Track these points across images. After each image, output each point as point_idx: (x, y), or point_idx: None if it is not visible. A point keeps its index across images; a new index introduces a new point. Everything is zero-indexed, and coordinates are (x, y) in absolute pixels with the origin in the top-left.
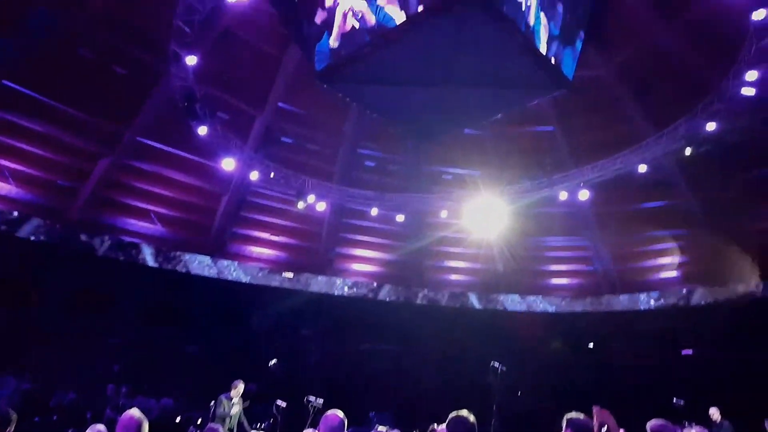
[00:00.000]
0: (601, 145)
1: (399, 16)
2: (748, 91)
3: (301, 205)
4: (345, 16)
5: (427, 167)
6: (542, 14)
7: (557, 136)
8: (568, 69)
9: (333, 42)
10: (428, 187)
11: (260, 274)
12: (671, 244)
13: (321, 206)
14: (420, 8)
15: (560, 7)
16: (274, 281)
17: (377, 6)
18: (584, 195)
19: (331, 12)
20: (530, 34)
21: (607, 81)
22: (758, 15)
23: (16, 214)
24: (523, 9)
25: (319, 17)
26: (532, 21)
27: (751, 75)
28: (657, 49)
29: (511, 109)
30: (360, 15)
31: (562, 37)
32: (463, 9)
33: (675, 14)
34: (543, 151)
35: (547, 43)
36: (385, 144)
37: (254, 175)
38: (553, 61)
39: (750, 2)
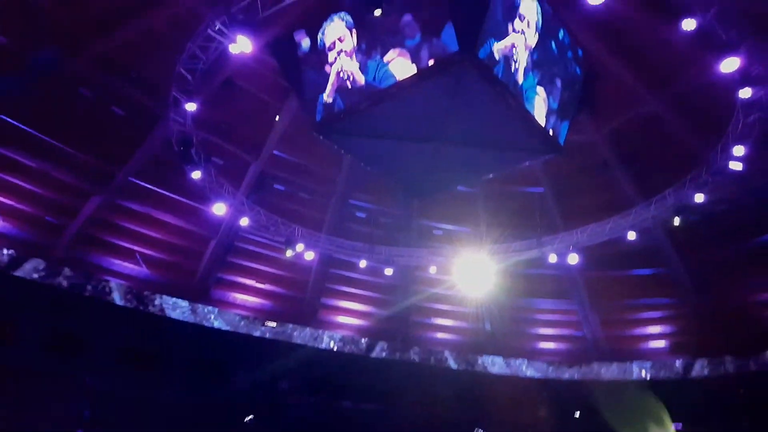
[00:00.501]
0: (591, 209)
1: (409, 70)
2: (736, 166)
3: (289, 253)
4: (338, 74)
5: (417, 221)
6: (541, 88)
7: (547, 198)
8: (561, 136)
9: (327, 97)
10: (418, 241)
11: (242, 323)
12: (661, 313)
13: (309, 255)
14: (431, 62)
15: (559, 83)
16: (256, 331)
17: (379, 63)
18: (573, 259)
19: (329, 68)
20: (519, 94)
21: (598, 147)
22: (744, 93)
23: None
24: (512, 70)
25: (317, 72)
26: (520, 80)
27: (738, 150)
28: (647, 119)
29: (503, 170)
30: (350, 76)
31: (560, 112)
32: (459, 69)
33: (663, 86)
34: (533, 212)
35: (546, 116)
36: (376, 196)
37: (244, 221)
38: (551, 133)
39: (736, 79)
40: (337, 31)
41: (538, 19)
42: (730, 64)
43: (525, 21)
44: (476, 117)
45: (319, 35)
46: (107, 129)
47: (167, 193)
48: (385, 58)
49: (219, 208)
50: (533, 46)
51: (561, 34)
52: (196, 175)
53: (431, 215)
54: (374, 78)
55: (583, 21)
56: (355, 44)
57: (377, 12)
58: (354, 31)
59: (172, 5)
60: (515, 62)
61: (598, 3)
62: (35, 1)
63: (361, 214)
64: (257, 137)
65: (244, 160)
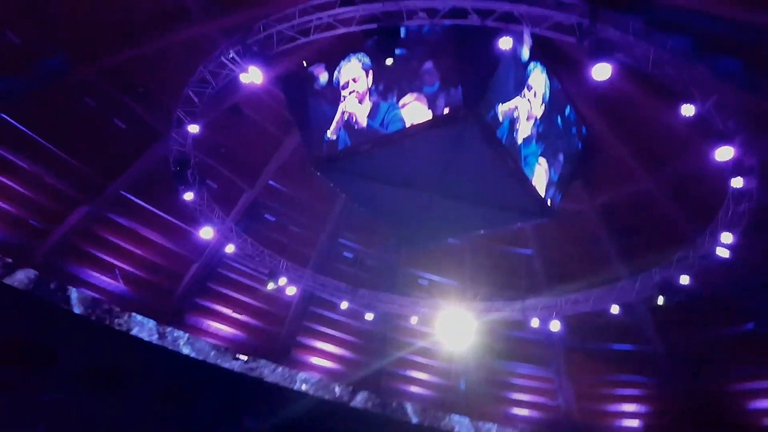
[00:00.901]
0: (577, 277)
1: (423, 116)
2: (723, 253)
3: (271, 285)
4: (343, 113)
5: (404, 268)
6: (544, 160)
7: (535, 261)
8: (555, 204)
9: (330, 134)
10: (403, 289)
11: (212, 353)
12: (637, 391)
13: (291, 290)
14: (446, 110)
15: (561, 157)
16: (226, 362)
17: (391, 105)
18: (555, 326)
19: (336, 107)
20: (519, 158)
21: (589, 217)
22: (736, 182)
23: None
24: (515, 135)
25: (329, 108)
26: (522, 145)
27: (727, 237)
28: (640, 196)
29: (494, 229)
30: (353, 117)
31: (559, 184)
32: (462, 124)
33: (659, 166)
34: (519, 273)
35: (546, 187)
36: (366, 238)
37: (230, 248)
38: (549, 203)
39: (729, 168)
40: (353, 72)
41: (545, 91)
42: (724, 153)
43: (532, 91)
44: (475, 173)
45: (335, 73)
46: (106, 140)
47: (156, 211)
48: (401, 102)
49: (206, 232)
50: (539, 116)
51: (567, 109)
52: (189, 196)
53: (418, 263)
54: (382, 121)
55: (586, 95)
56: (370, 85)
57: (389, 61)
58: (371, 72)
59: (191, 28)
60: (518, 127)
61: (602, 79)
62: (54, 5)
63: (348, 254)
64: (255, 166)
65: (238, 186)
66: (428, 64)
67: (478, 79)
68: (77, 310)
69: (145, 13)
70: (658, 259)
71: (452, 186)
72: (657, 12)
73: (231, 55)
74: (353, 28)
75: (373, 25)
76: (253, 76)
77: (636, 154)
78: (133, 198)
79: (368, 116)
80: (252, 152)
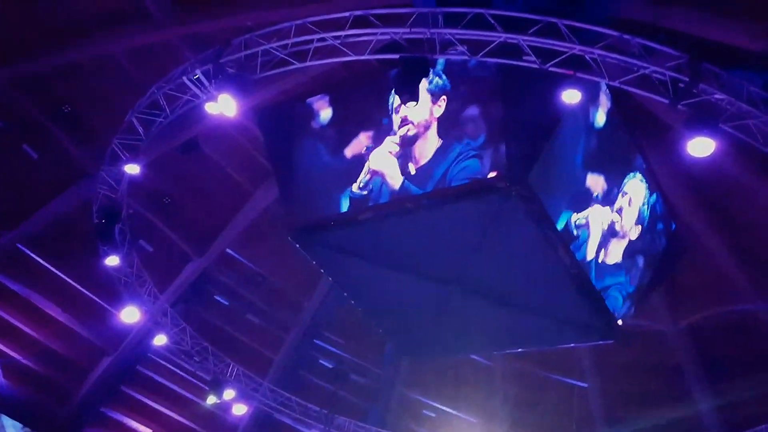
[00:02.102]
0: (647, 421)
1: None
2: None
3: (212, 400)
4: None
5: (402, 390)
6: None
7: (591, 396)
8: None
9: (354, 190)
10: (398, 421)
11: None
12: None
13: (240, 409)
14: (492, 174)
15: (641, 261)
16: None
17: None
18: None
19: (348, 160)
20: (585, 267)
21: (670, 341)
22: None
23: None
24: (575, 232)
25: (329, 155)
26: (590, 255)
27: None
28: (742, 318)
29: (536, 347)
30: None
31: (634, 295)
32: (501, 198)
33: None
34: (569, 412)
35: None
36: (353, 341)
37: (160, 339)
38: (618, 320)
39: None
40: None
41: (644, 206)
42: None
43: (626, 198)
44: (517, 267)
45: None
46: (8, 172)
47: (63, 276)
48: None
49: (130, 314)
50: (628, 232)
51: (654, 198)
52: (113, 261)
53: (422, 386)
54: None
55: (676, 174)
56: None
57: (412, 103)
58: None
59: (146, 34)
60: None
61: (702, 156)
62: None
63: (326, 363)
64: (210, 226)
65: (183, 252)
66: (472, 109)
67: (530, 139)
68: None
69: (84, 7)
70: (763, 408)
71: (483, 280)
72: None
73: (196, 75)
74: (366, 57)
75: (394, 55)
76: (223, 105)
77: (741, 261)
78: (33, 255)
79: None
80: (208, 207)
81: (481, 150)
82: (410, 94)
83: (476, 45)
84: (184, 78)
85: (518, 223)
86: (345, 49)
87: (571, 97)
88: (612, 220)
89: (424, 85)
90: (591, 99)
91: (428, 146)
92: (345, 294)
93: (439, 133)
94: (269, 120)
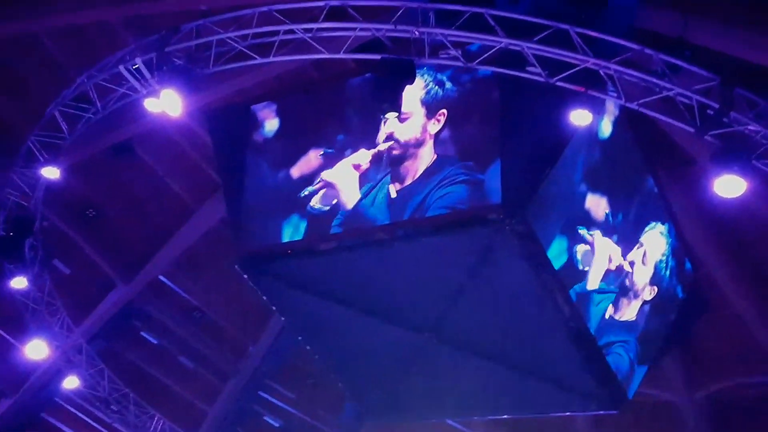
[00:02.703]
0: None
1: None
2: None
3: None
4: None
5: None
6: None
7: None
8: (633, 386)
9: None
10: None
11: None
12: None
13: None
14: (483, 204)
15: (646, 308)
16: None
17: (381, 181)
18: None
19: (295, 181)
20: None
21: (682, 414)
22: None
23: None
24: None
25: (276, 172)
26: (591, 285)
27: None
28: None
29: (526, 414)
30: (333, 197)
31: (641, 355)
32: (496, 232)
33: None
34: None
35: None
36: (305, 396)
37: (72, 382)
38: (622, 385)
39: None
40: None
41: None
42: None
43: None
44: (505, 316)
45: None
46: None
47: None
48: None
49: (37, 349)
50: (641, 291)
51: (670, 256)
52: (19, 283)
53: None
54: (372, 201)
55: (697, 213)
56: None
57: (391, 114)
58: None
59: (79, 9)
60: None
61: (731, 196)
62: None
63: (272, 420)
64: (141, 246)
65: (107, 277)
66: (469, 126)
67: (531, 164)
68: None
69: None
70: None
71: (464, 330)
72: None
73: (136, 65)
74: (341, 56)
75: (374, 56)
76: (166, 103)
77: None
78: None
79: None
80: (140, 224)
81: (471, 174)
82: (391, 103)
83: (473, 50)
84: (121, 67)
85: (509, 264)
86: (317, 45)
87: (580, 117)
88: (620, 265)
89: (418, 95)
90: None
91: (418, 165)
92: (299, 338)
93: (436, 151)
94: (220, 124)
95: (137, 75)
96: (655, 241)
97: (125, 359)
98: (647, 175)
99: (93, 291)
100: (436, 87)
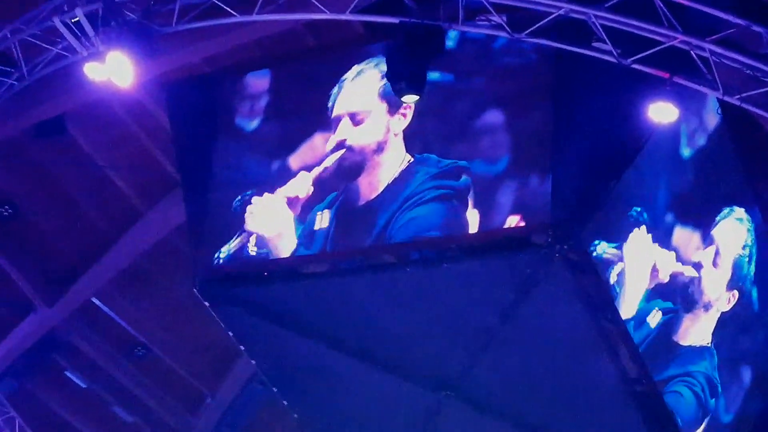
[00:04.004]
0: None
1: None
2: None
3: None
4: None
5: None
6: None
7: None
8: None
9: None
10: None
11: None
12: None
13: None
14: (513, 222)
15: (747, 374)
16: None
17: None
18: None
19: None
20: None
21: None
22: None
23: None
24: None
25: (245, 164)
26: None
27: None
28: None
29: None
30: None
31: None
32: (542, 263)
33: None
34: None
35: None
36: None
37: None
38: None
39: None
40: (360, 97)
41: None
42: None
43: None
44: (547, 370)
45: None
46: None
47: None
48: None
49: None
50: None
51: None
52: None
53: None
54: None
55: None
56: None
57: (409, 98)
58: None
59: None
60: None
61: None
62: None
63: None
64: (70, 258)
65: (23, 297)
66: (494, 115)
67: (591, 172)
68: None
69: None
70: None
71: (493, 387)
72: None
73: (76, 18)
74: (347, 16)
75: (391, 19)
76: (113, 69)
77: None
78: None
79: None
80: (69, 228)
81: (497, 180)
82: (409, 82)
83: (520, 17)
84: (56, 19)
85: (556, 303)
86: (316, 2)
87: (662, 113)
88: (676, 272)
89: (374, 87)
90: (690, 110)
91: (381, 174)
92: (273, 389)
93: (408, 150)
94: (182, 101)
95: (76, 31)
96: (730, 231)
97: (43, 405)
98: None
99: (3, 314)
100: None
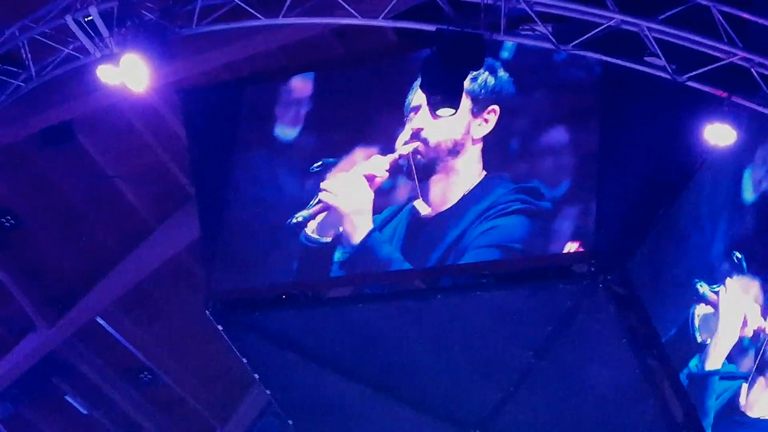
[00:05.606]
0: None
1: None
2: None
3: None
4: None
5: None
6: None
7: None
8: None
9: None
10: None
11: None
12: None
13: None
14: (570, 247)
15: None
16: None
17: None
18: None
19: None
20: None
21: None
22: None
23: None
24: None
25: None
26: (712, 364)
27: None
28: None
29: None
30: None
31: None
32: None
33: None
34: None
35: None
36: None
37: None
38: None
39: None
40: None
41: None
42: None
43: None
44: (587, 416)
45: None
46: None
47: None
48: None
49: None
50: None
51: None
52: None
53: None
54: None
55: None
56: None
57: (445, 111)
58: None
59: None
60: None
61: None
62: None
63: None
64: (74, 274)
65: (23, 315)
66: (558, 132)
67: (640, 198)
68: None
69: None
70: None
71: (523, 428)
72: None
73: (89, 17)
74: (379, 22)
75: (427, 26)
76: (127, 73)
77: None
78: None
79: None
80: (74, 242)
81: (555, 205)
82: (445, 95)
83: (567, 27)
84: (68, 18)
85: (598, 339)
86: (346, 5)
87: (718, 135)
88: (760, 328)
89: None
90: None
91: (455, 183)
92: (289, 421)
93: (484, 165)
94: (201, 109)
95: (90, 31)
96: None
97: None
98: None
99: (3, 333)
100: (486, 73)
